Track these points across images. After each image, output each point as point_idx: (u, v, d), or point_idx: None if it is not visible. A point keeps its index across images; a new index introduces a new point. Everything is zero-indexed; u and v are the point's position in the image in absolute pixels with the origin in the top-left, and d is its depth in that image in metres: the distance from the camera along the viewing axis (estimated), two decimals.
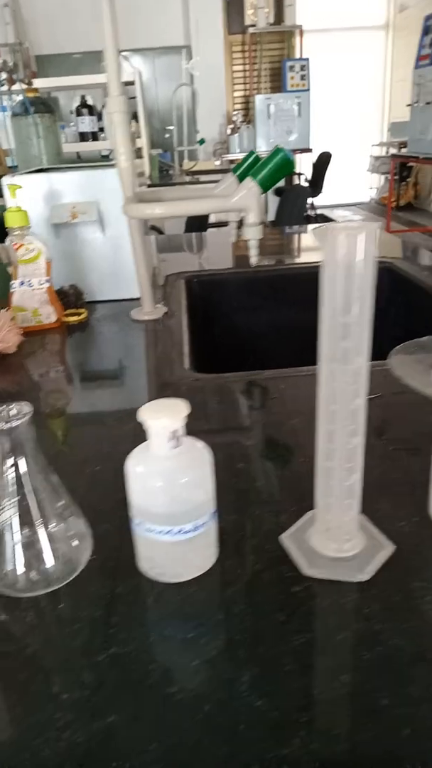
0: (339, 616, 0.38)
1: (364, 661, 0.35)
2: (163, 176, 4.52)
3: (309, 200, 6.37)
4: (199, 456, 0.40)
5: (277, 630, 0.37)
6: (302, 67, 6.67)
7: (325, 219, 6.77)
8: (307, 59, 6.73)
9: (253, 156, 1.01)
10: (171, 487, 0.38)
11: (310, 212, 6.57)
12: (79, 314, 1.05)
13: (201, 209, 0.87)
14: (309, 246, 1.69)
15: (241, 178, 0.97)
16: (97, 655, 0.36)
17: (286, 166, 0.81)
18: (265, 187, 0.82)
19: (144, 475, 0.38)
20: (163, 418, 0.37)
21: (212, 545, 0.43)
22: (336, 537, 0.41)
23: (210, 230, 2.72)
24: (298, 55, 6.97)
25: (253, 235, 0.86)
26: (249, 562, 0.43)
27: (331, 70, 7.21)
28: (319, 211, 6.74)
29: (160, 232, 2.83)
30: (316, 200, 6.56)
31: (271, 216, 4.50)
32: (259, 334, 1.42)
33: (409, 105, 4.83)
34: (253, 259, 0.89)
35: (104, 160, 4.44)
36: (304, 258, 1.54)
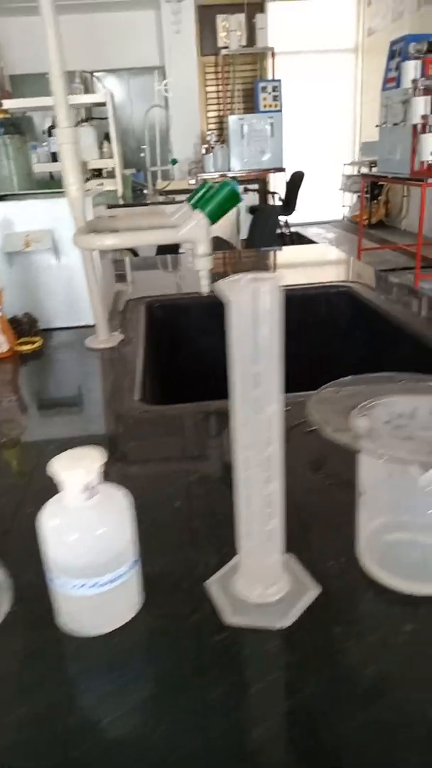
0: (257, 666, 0.37)
1: (277, 713, 0.34)
2: (137, 196, 4.54)
3: (282, 219, 6.46)
4: (117, 505, 0.40)
5: (196, 682, 0.37)
6: (274, 88, 6.80)
7: (299, 237, 6.86)
8: (279, 80, 6.86)
9: (206, 186, 1.02)
10: (86, 539, 0.38)
11: (284, 231, 6.65)
12: (32, 342, 1.04)
13: (151, 240, 0.87)
14: (279, 264, 1.70)
15: (195, 208, 0.98)
16: (5, 716, 0.35)
17: (232, 199, 0.82)
18: (213, 218, 0.83)
19: (57, 529, 0.38)
20: (76, 471, 0.37)
21: (135, 594, 0.42)
22: (258, 583, 0.41)
23: (183, 252, 2.72)
24: (270, 77, 7.10)
25: (203, 265, 0.86)
26: (174, 609, 0.42)
27: (303, 91, 7.36)
28: (293, 229, 6.83)
29: (134, 254, 2.83)
30: (290, 218, 6.65)
31: (244, 234, 4.54)
32: (224, 359, 1.42)
33: (377, 126, 4.94)
34: (204, 288, 0.89)
35: None
36: None
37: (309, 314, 1.39)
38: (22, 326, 1.06)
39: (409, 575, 0.41)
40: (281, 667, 0.37)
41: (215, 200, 0.81)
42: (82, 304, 1.11)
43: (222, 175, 6.82)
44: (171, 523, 0.52)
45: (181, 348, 1.36)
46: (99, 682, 0.38)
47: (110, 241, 0.87)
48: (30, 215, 1.07)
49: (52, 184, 4.21)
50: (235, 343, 0.35)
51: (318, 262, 1.83)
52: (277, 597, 0.41)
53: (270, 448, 0.37)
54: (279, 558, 0.41)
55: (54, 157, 4.28)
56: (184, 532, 0.51)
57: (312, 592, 0.42)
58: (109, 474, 0.61)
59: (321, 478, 0.58)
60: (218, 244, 2.47)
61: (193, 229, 0.83)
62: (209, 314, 1.38)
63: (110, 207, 3.71)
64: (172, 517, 0.53)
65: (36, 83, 7.18)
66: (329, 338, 1.38)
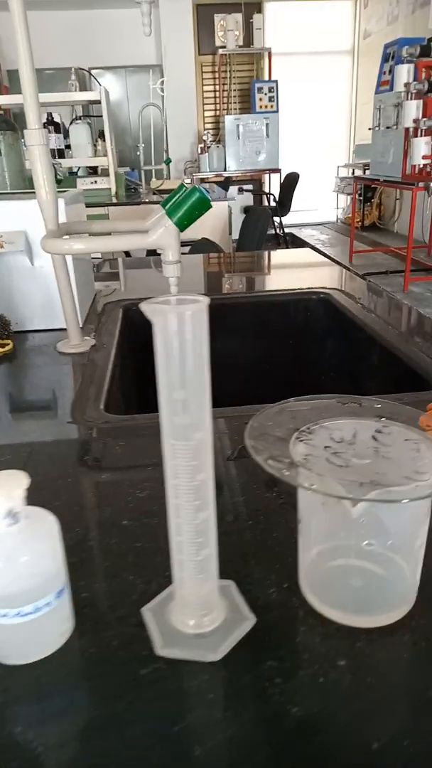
0: (183, 703, 0.36)
1: (196, 756, 0.33)
2: (131, 194, 4.52)
3: (276, 220, 6.45)
4: (44, 531, 0.38)
5: (117, 720, 0.35)
6: (270, 89, 6.79)
7: (293, 238, 6.86)
8: (275, 81, 6.85)
9: (181, 190, 1.01)
10: (8, 568, 0.36)
11: (279, 232, 6.65)
12: (4, 346, 1.02)
13: (120, 246, 0.85)
14: (261, 268, 1.69)
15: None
16: None
17: (201, 205, 0.80)
18: (182, 226, 0.82)
19: None
20: None
21: (65, 621, 0.40)
22: (192, 612, 0.40)
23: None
24: (267, 77, 7.09)
25: (172, 273, 0.85)
26: (106, 638, 0.41)
27: (299, 92, 7.35)
28: (287, 231, 6.82)
29: (127, 254, 2.81)
30: (285, 220, 6.64)
31: (236, 235, 4.53)
32: None
33: (370, 129, 4.93)
34: None
35: (71, 177, 4.42)
36: (257, 286, 1.54)
37: (288, 320, 1.38)
38: None
39: (346, 607, 0.40)
40: (206, 704, 0.36)
41: (183, 207, 0.80)
42: (57, 306, 1.09)
43: (217, 175, 6.81)
44: (115, 543, 0.51)
45: (153, 355, 1.34)
46: (24, 713, 0.36)
47: (78, 246, 0.85)
48: (4, 216, 1.05)
49: None
50: (160, 368, 0.34)
51: (302, 266, 1.82)
52: (210, 628, 0.40)
53: (200, 476, 0.36)
54: (213, 588, 0.40)
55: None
56: (127, 553, 0.50)
57: (247, 623, 0.40)
58: (57, 489, 0.59)
59: (274, 497, 0.56)
60: (206, 245, 2.45)
61: (162, 236, 0.81)
62: None
63: (103, 206, 3.69)
64: (118, 536, 0.52)
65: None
66: (307, 344, 1.37)
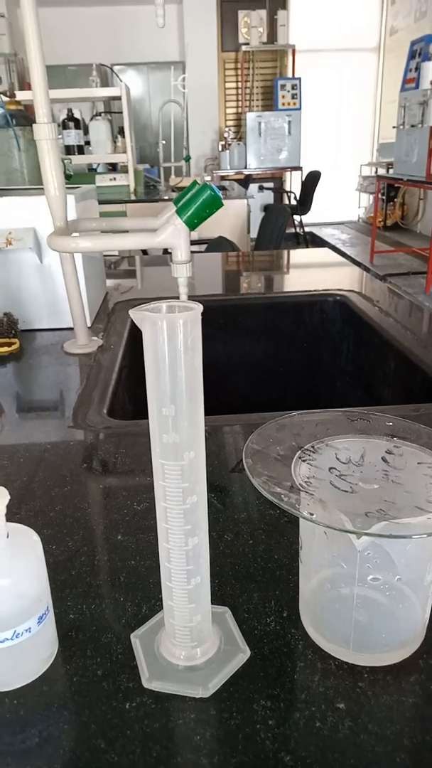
0: (166, 745, 0.33)
1: None
2: (150, 191, 4.50)
3: (297, 218, 6.39)
4: (27, 551, 0.36)
5: (97, 760, 0.33)
6: (293, 86, 6.72)
7: (313, 237, 6.79)
8: (299, 78, 6.78)
9: (196, 186, 0.98)
10: None
11: (299, 231, 6.59)
12: (10, 345, 1.00)
13: (127, 245, 0.83)
14: (277, 268, 1.66)
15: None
16: None
17: (212, 204, 0.77)
18: (192, 225, 0.79)
19: None
20: None
21: (47, 646, 0.38)
22: (182, 643, 0.37)
23: (196, 249, 2.66)
24: (290, 74, 7.02)
25: (181, 273, 0.82)
26: (92, 665, 0.38)
27: (322, 89, 7.27)
28: (307, 230, 6.76)
29: (144, 252, 2.79)
30: (306, 218, 6.58)
31: (255, 233, 4.49)
32: (213, 366, 1.38)
33: (395, 127, 4.85)
34: (183, 297, 0.85)
35: (91, 173, 4.42)
36: (272, 286, 1.51)
37: (303, 322, 1.35)
38: (1, 327, 1.03)
39: (348, 642, 0.37)
40: (192, 748, 0.33)
41: (193, 206, 0.77)
42: (65, 305, 1.07)
43: (238, 173, 6.76)
44: (108, 560, 0.48)
45: None
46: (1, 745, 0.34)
47: (84, 244, 0.83)
48: (14, 212, 1.03)
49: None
50: (149, 381, 0.31)
51: (319, 266, 1.77)
52: (202, 660, 0.37)
53: (191, 499, 0.33)
54: (204, 618, 0.37)
55: (68, 150, 4.24)
56: (120, 572, 0.47)
57: (241, 655, 0.38)
58: (51, 498, 0.57)
59: (278, 514, 0.53)
60: (222, 244, 2.42)
61: (170, 235, 0.79)
62: (203, 319, 1.33)
63: (121, 202, 3.68)
64: (111, 553, 0.49)
65: (58, 76, 7.15)
66: (322, 348, 1.33)
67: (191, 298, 1.41)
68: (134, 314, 0.30)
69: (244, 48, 6.89)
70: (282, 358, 1.38)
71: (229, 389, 1.38)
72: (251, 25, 6.79)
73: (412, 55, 4.55)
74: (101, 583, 0.46)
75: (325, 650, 0.38)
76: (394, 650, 0.37)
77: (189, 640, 0.37)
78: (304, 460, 0.37)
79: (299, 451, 0.38)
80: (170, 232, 0.79)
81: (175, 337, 0.29)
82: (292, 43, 6.84)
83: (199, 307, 0.30)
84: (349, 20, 7.05)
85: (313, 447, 0.39)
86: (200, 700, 0.35)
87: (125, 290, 1.45)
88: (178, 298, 0.82)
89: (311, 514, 0.31)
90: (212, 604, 0.40)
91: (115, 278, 1.60)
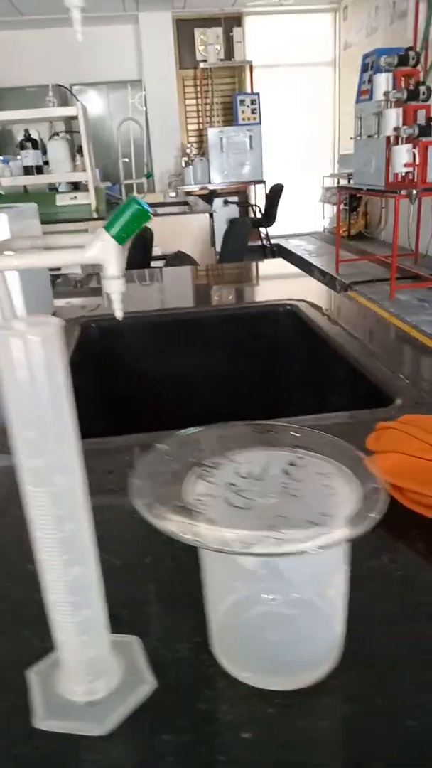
0: None
1: None
2: (112, 209, 4.48)
3: (263, 231, 6.45)
4: None
5: None
6: (252, 101, 6.82)
7: (280, 249, 6.85)
8: (257, 93, 6.88)
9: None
10: None
11: (265, 243, 6.64)
12: None
13: (55, 262, 0.81)
14: (226, 284, 1.65)
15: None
16: None
17: (141, 217, 0.76)
18: (120, 239, 0.77)
19: None
20: None
21: None
22: (78, 678, 0.35)
23: (158, 264, 2.63)
24: (249, 90, 7.12)
25: (114, 288, 0.80)
26: None
27: (281, 104, 7.38)
28: (274, 241, 6.82)
29: None
30: (272, 231, 6.64)
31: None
32: (178, 378, 1.36)
33: (352, 138, 4.94)
34: (118, 312, 0.83)
35: (51, 193, 4.40)
36: (229, 298, 1.50)
37: (257, 333, 1.34)
38: None
39: (258, 665, 0.35)
40: None
41: (120, 220, 0.75)
42: None
43: (202, 188, 6.81)
44: (16, 591, 0.46)
45: (119, 372, 1.30)
46: None
47: (13, 262, 0.81)
48: None
49: (23, 198, 4.16)
50: (9, 404, 0.29)
51: (276, 277, 1.78)
52: (101, 695, 0.35)
53: (68, 526, 0.31)
54: (100, 651, 0.35)
55: (26, 171, 4.22)
56: (27, 605, 0.44)
57: (145, 687, 0.35)
58: None
59: None
60: (180, 259, 2.42)
61: (99, 250, 0.77)
62: (152, 335, 1.32)
63: (83, 221, 3.66)
64: (20, 584, 0.47)
65: (18, 97, 7.14)
66: (276, 358, 1.33)
67: (158, 312, 1.39)
68: None
69: (202, 65, 6.98)
70: (243, 368, 1.37)
71: (195, 400, 1.37)
72: (208, 42, 6.88)
73: (364, 68, 4.65)
74: (6, 617, 0.43)
75: (234, 676, 0.36)
76: (307, 671, 0.35)
77: (85, 675, 0.35)
78: (201, 477, 0.35)
79: (195, 468, 0.36)
80: (98, 247, 0.77)
81: (31, 357, 0.28)
82: (249, 60, 6.95)
83: (58, 322, 0.28)
84: (304, 36, 7.19)
85: (214, 462, 0.37)
86: (99, 738, 0.33)
87: (93, 308, 1.42)
88: (114, 314, 0.80)
89: (193, 535, 0.30)
90: (121, 633, 0.38)
91: (81, 296, 1.58)
